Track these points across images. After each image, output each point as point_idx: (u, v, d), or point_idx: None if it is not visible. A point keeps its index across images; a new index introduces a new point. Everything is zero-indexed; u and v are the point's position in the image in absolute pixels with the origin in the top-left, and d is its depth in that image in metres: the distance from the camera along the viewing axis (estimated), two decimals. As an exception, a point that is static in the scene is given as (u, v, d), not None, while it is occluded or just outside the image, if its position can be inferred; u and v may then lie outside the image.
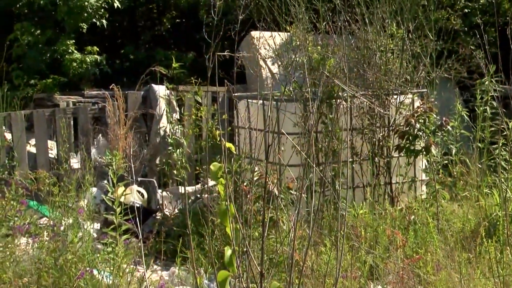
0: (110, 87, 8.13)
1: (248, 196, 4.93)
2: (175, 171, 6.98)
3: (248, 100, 6.74)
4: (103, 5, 10.19)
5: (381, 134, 6.51)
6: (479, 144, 6.90)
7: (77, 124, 8.11)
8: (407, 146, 6.23)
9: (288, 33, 6.95)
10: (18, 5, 10.22)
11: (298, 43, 6.63)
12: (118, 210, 4.86)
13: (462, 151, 6.96)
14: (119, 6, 10.48)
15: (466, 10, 9.77)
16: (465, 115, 7.05)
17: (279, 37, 7.22)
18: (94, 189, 6.69)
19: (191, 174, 7.79)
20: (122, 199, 5.03)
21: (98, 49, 10.25)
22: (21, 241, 5.02)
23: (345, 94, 6.10)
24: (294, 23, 6.66)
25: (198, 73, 7.79)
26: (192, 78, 7.26)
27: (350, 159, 6.36)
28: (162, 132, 8.25)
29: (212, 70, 3.00)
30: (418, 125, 6.21)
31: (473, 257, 4.89)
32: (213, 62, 3.02)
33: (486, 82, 6.78)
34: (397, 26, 6.76)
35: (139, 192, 7.11)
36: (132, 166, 7.35)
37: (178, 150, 6.93)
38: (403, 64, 6.69)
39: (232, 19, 6.44)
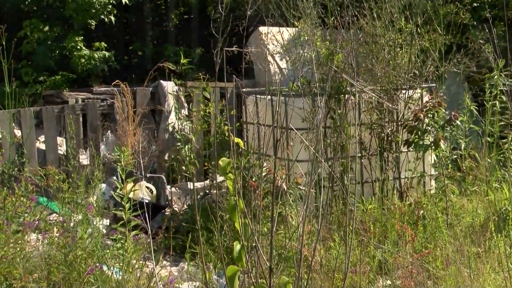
0: (113, 83, 8.14)
1: (257, 191, 4.93)
2: (183, 167, 7.00)
3: (257, 96, 6.73)
4: (111, 2, 10.21)
5: (389, 129, 6.50)
6: (488, 139, 6.88)
7: (86, 121, 8.13)
8: (416, 140, 6.22)
9: (296, 28, 6.93)
10: (27, 2, 10.26)
11: (306, 38, 6.61)
12: (127, 206, 4.87)
13: (471, 146, 6.94)
14: (127, 2, 10.50)
15: (475, 4, 9.73)
16: (474, 109, 7.02)
17: (287, 33, 7.21)
18: (103, 185, 6.70)
19: (200, 170, 7.80)
20: (131, 195, 5.04)
21: (106, 45, 10.27)
22: (31, 237, 5.04)
23: (354, 89, 6.09)
24: (302, 18, 6.65)
25: (206, 69, 7.79)
26: (200, 74, 7.26)
27: (359, 154, 6.36)
28: (170, 128, 8.26)
29: (220, 66, 3.00)
30: (427, 120, 6.19)
31: (483, 252, 4.87)
32: (221, 57, 3.02)
33: (495, 76, 6.76)
34: (406, 21, 6.73)
35: (148, 188, 7.13)
36: (141, 162, 7.37)
37: (186, 146, 6.94)
38: (412, 58, 6.67)
39: (240, 15, 6.43)
